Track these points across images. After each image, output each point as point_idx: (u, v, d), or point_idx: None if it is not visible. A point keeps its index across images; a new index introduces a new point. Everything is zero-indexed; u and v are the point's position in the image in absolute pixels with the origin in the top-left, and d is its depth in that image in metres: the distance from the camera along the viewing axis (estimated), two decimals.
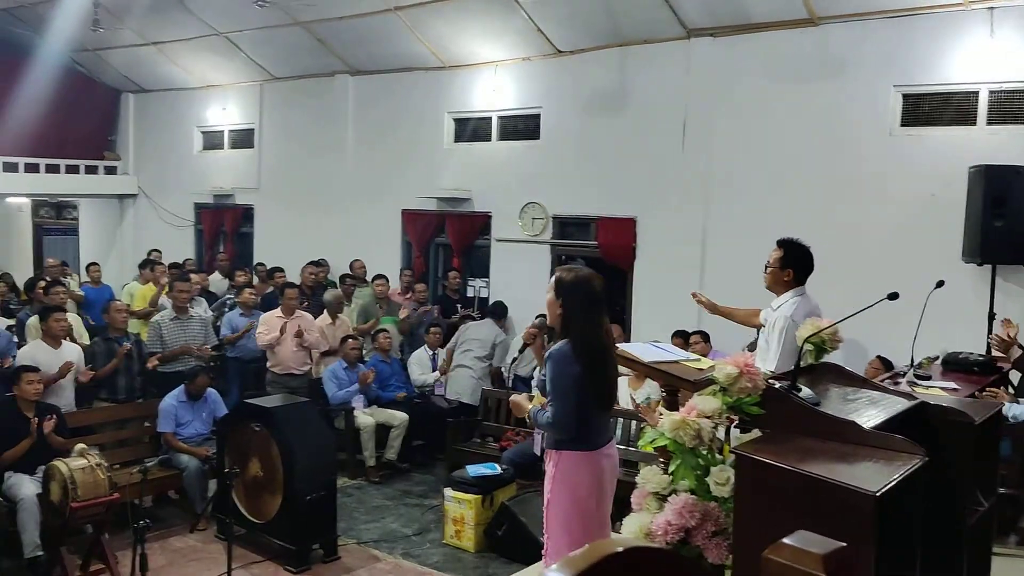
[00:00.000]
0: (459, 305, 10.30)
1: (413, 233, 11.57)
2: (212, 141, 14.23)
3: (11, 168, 13.72)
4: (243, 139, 13.68)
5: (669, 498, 3.21)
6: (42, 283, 9.00)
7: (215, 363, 9.00)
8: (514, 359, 8.42)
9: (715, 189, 8.87)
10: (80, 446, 5.88)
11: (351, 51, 11.60)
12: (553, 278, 3.99)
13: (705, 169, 8.91)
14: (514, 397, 4.22)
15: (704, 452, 3.15)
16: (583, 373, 3.78)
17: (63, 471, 5.58)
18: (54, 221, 17.32)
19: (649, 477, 3.31)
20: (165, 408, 7.09)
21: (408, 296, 10.36)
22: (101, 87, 14.93)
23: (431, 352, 9.17)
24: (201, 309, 9.34)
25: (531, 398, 4.13)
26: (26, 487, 5.99)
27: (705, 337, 7.93)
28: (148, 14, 11.91)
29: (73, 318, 8.07)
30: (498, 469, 6.97)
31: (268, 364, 8.65)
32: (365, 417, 8.29)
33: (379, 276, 10.12)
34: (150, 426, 7.24)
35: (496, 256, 10.77)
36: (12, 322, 8.52)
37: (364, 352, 9.33)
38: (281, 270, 11.02)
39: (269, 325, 8.62)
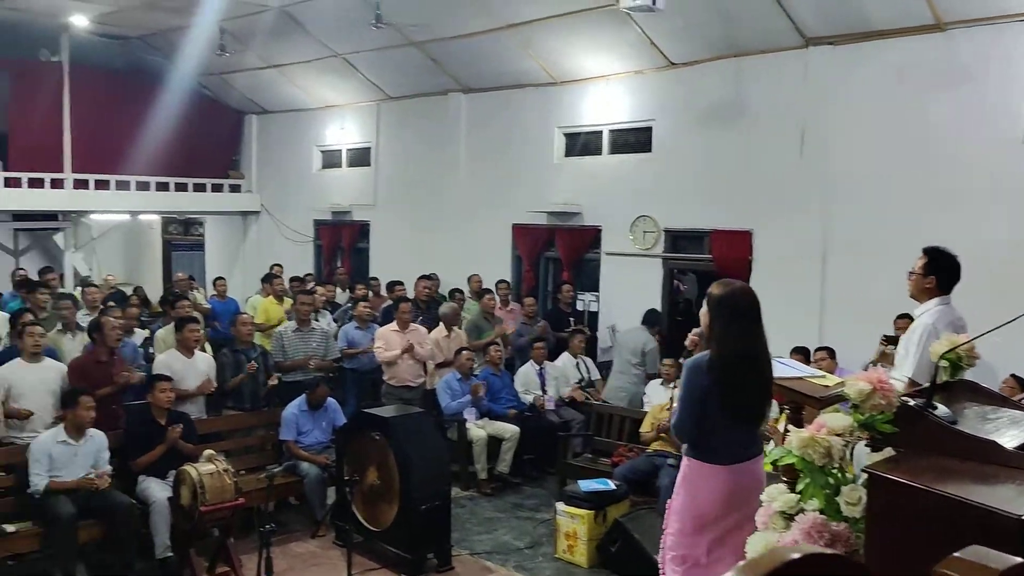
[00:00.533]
0: (571, 319, 10.26)
1: (523, 247, 11.64)
2: (330, 160, 14.70)
3: (143, 187, 14.49)
4: (360, 157, 14.07)
5: (796, 517, 3.11)
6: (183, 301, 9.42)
7: (333, 374, 9.25)
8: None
9: (835, 200, 8.62)
10: (208, 452, 6.12)
11: (463, 69, 11.80)
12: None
13: (824, 180, 8.67)
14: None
15: (834, 471, 3.04)
16: (714, 385, 3.76)
17: (193, 476, 5.82)
18: (182, 237, 18.20)
19: (775, 495, 3.21)
20: (287, 417, 7.33)
21: (508, 309, 10.39)
22: (226, 109, 15.62)
23: (538, 367, 9.17)
24: (325, 322, 9.62)
25: None
26: (158, 491, 6.28)
27: (831, 353, 7.67)
28: (270, 38, 12.41)
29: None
30: (611, 485, 6.91)
31: (384, 377, 8.83)
32: (477, 430, 8.36)
33: (487, 291, 10.20)
34: (273, 434, 7.47)
35: (606, 270, 10.74)
36: (147, 334, 8.94)
37: (475, 366, 9.42)
38: (401, 283, 11.28)
39: (386, 340, 8.80)
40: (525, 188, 11.46)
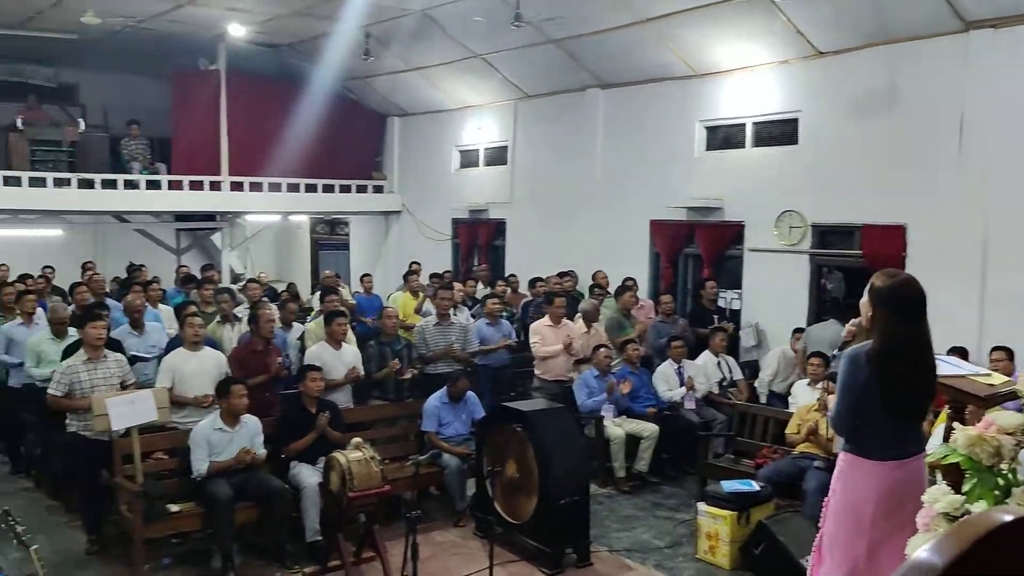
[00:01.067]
0: (715, 316, 10.02)
1: (662, 243, 11.48)
2: (468, 159, 14.93)
3: (293, 189, 15.13)
4: (497, 156, 14.23)
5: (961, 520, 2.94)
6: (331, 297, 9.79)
7: (471, 368, 9.38)
8: (773, 374, 8.09)
9: (997, 193, 8.09)
10: (356, 440, 6.31)
11: (601, 65, 11.74)
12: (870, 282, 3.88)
13: (985, 171, 8.16)
14: None
15: (1004, 472, 2.84)
16: (875, 378, 3.61)
17: (341, 462, 6.01)
18: (328, 237, 18.90)
19: (938, 496, 3.03)
20: (429, 408, 7.49)
21: (639, 307, 10.25)
22: (369, 112, 16.11)
23: (676, 365, 9.00)
24: (463, 316, 9.78)
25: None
26: (308, 476, 6.53)
27: (1010, 354, 7.14)
28: (411, 41, 12.71)
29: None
30: (755, 486, 6.72)
31: (536, 371, 8.88)
32: (615, 427, 8.30)
33: (627, 287, 10.09)
34: (416, 425, 7.65)
35: (749, 267, 10.45)
36: (303, 327, 9.32)
37: (613, 363, 9.36)
38: (542, 280, 11.32)
39: (542, 335, 8.85)
40: (664, 183, 11.30)
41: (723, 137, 10.93)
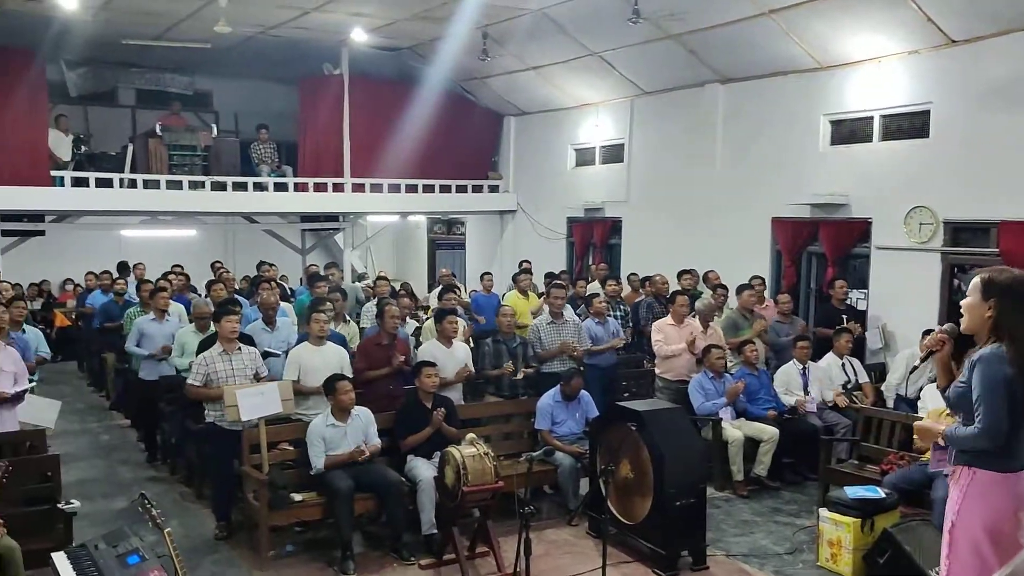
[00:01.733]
0: (844, 316, 9.64)
1: (784, 241, 11.16)
2: (584, 157, 14.90)
3: (412, 189, 15.43)
4: (613, 154, 14.15)
5: None
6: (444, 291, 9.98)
7: (582, 367, 9.35)
8: (901, 377, 7.74)
9: None
10: (471, 436, 6.38)
11: (722, 59, 11.51)
12: (977, 279, 3.67)
13: None
14: (922, 423, 3.93)
15: None
16: (1014, 380, 3.39)
17: (456, 457, 6.09)
18: (445, 236, 19.20)
19: None
20: (542, 406, 7.50)
21: (764, 307, 9.97)
22: (486, 112, 16.28)
23: (800, 366, 8.72)
24: (569, 316, 9.75)
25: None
26: (424, 470, 6.64)
27: None
28: (528, 40, 12.78)
29: (459, 321, 8.85)
30: (880, 493, 6.44)
31: (659, 371, 8.79)
32: (733, 430, 8.11)
33: (745, 287, 9.84)
34: (529, 423, 7.67)
35: (877, 265, 10.06)
36: (417, 324, 9.53)
37: (730, 364, 9.16)
38: (650, 279, 11.16)
39: (665, 334, 8.75)
40: (786, 179, 10.99)
41: (849, 131, 10.54)
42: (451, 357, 7.68)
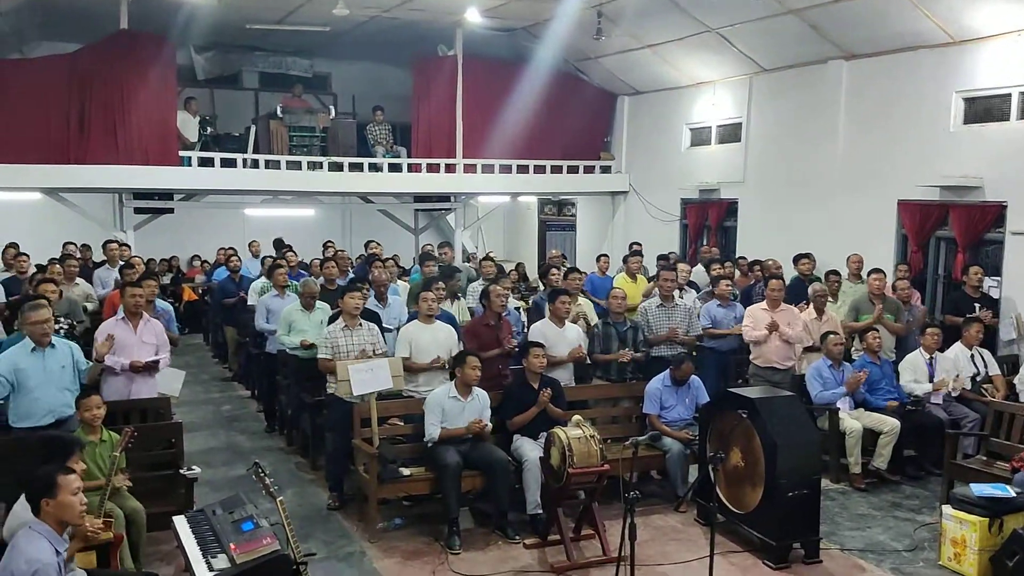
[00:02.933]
0: (976, 305, 9.11)
1: (910, 225, 10.64)
2: (699, 137, 14.55)
3: (523, 170, 15.39)
4: (730, 134, 13.77)
5: None
6: (553, 271, 9.93)
7: (694, 352, 9.17)
8: None
9: None
10: (576, 417, 6.35)
11: (846, 34, 11.02)
12: None
13: None
14: None
15: None
16: None
17: (562, 438, 6.06)
18: (555, 217, 19.14)
19: None
20: (651, 391, 7.38)
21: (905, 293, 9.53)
22: (599, 92, 16.06)
23: (928, 356, 8.31)
24: (689, 299, 9.59)
25: None
26: (530, 450, 6.64)
27: None
28: (643, 18, 12.54)
29: (585, 303, 8.82)
30: (1010, 492, 6.09)
31: (751, 357, 8.57)
32: (851, 420, 7.80)
33: (875, 271, 9.41)
34: (638, 407, 7.58)
35: (1012, 252, 9.50)
36: (524, 304, 9.53)
37: (852, 351, 8.83)
38: (759, 262, 10.88)
39: (755, 318, 8.53)
40: (914, 160, 10.47)
41: (983, 109, 9.95)
42: (562, 337, 7.65)
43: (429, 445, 6.58)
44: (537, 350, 7.04)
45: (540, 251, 18.81)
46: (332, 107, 16.18)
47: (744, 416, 6.21)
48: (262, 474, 4.66)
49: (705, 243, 13.97)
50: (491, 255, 15.17)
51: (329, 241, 14.21)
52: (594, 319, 8.45)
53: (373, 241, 12.47)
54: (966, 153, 9.96)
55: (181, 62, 15.05)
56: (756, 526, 6.20)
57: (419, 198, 16.67)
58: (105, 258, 11.17)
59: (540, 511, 6.50)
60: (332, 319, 7.58)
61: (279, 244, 13.85)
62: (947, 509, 6.13)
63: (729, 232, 13.81)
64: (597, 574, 5.92)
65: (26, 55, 14.59)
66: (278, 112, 14.55)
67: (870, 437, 7.82)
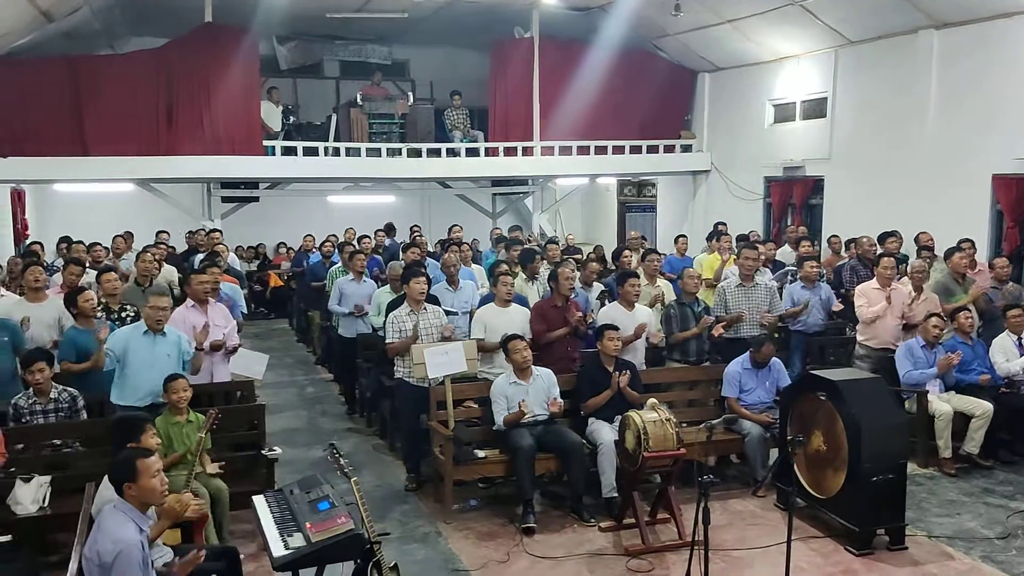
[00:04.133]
0: None
1: (1006, 201, 10.19)
2: (783, 114, 14.17)
3: (601, 151, 15.24)
4: (815, 109, 13.38)
5: None
6: (626, 252, 9.84)
7: (779, 335, 8.97)
8: None
9: None
10: (652, 401, 6.27)
11: (937, 2, 10.56)
12: None
13: None
14: None
15: None
16: None
17: (637, 422, 5.99)
18: (635, 199, 18.93)
19: None
20: (730, 374, 7.24)
21: (976, 271, 9.12)
22: (679, 69, 15.79)
23: (1016, 337, 7.92)
24: (765, 278, 9.37)
25: None
26: (606, 433, 6.59)
27: None
28: None
29: (665, 284, 8.70)
30: None
31: (861, 338, 8.31)
32: (941, 403, 7.51)
33: (958, 248, 9.03)
34: (716, 390, 7.45)
35: None
36: (603, 288, 9.44)
37: (943, 332, 8.48)
38: (854, 240, 10.57)
39: (868, 297, 8.29)
40: (1009, 133, 10.03)
41: None
42: (632, 321, 7.54)
43: (500, 430, 6.61)
44: (611, 332, 6.96)
45: (619, 233, 18.64)
46: (410, 94, 16.33)
47: (824, 399, 6.05)
48: (337, 455, 4.74)
49: (790, 222, 13.62)
50: (569, 238, 15.13)
51: (416, 226, 14.38)
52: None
53: (456, 225, 12.55)
54: None
55: (264, 53, 15.39)
56: (838, 511, 6.03)
57: (496, 182, 16.71)
58: (188, 246, 11.50)
59: (615, 494, 6.46)
60: (395, 304, 7.62)
61: (389, 228, 14.15)
62: None
63: (815, 210, 13.43)
64: (672, 558, 5.84)
65: (116, 51, 15.12)
66: (358, 100, 14.75)
67: (961, 421, 7.52)
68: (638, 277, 7.79)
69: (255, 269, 16.53)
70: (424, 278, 7.16)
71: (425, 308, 7.17)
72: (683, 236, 12.19)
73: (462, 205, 17.13)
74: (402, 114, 14.92)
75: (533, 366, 6.78)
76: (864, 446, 5.80)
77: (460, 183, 16.75)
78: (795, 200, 13.64)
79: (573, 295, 7.98)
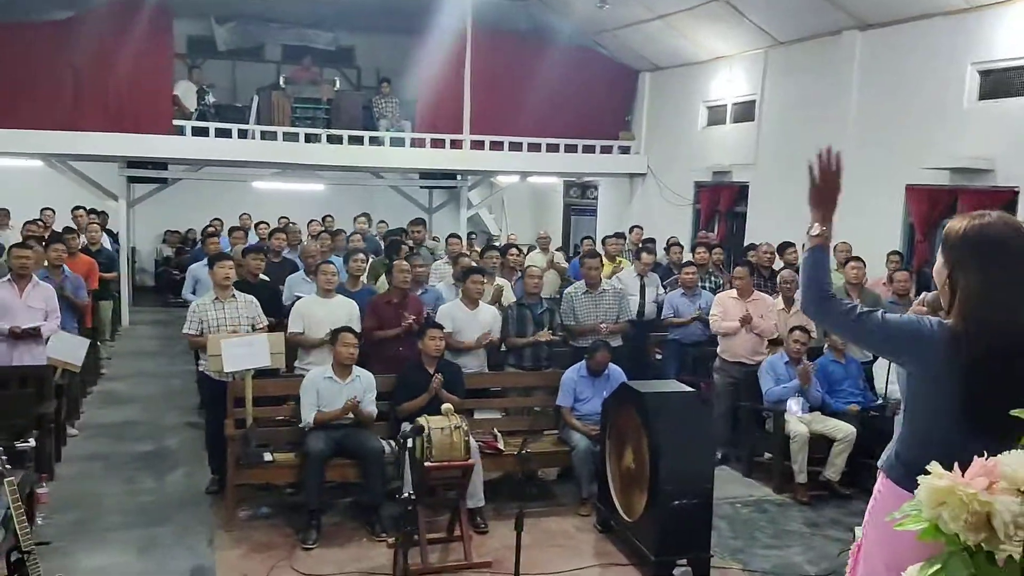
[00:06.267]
0: None
1: (917, 213, 9.61)
2: (715, 116, 13.60)
3: (535, 148, 14.59)
4: (744, 112, 12.81)
5: None
6: (512, 251, 9.32)
7: (659, 345, 8.45)
8: None
9: None
10: (446, 406, 5.73)
11: (861, 1, 10.00)
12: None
13: None
14: None
15: (997, 553, 1.58)
16: (951, 372, 2.44)
17: (424, 428, 5.47)
18: (579, 200, 18.37)
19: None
20: (566, 381, 6.70)
21: (877, 283, 8.58)
22: (621, 68, 15.21)
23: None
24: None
25: None
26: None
27: None
28: None
29: (503, 282, 8.15)
30: None
31: (718, 350, 7.80)
32: (798, 424, 6.96)
33: (853, 259, 8.46)
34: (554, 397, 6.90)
35: None
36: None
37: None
38: (754, 247, 10.02)
39: (724, 308, 7.77)
40: (924, 141, 9.44)
41: (999, 83, 8.85)
42: (474, 320, 7.02)
43: (306, 430, 6.08)
44: (434, 332, 6.44)
45: (565, 235, 18.09)
46: (337, 79, 15.74)
47: (635, 413, 5.52)
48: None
49: (715, 229, 13.06)
50: (511, 237, 14.54)
51: (328, 216, 13.80)
52: (511, 299, 7.77)
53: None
54: (979, 133, 8.91)
55: (201, 33, 14.92)
56: (640, 536, 5.49)
57: (425, 175, 16.09)
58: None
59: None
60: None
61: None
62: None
63: (740, 218, 12.86)
64: None
65: (24, 19, 14.55)
66: (281, 83, 14.23)
67: (823, 444, 6.98)
68: (482, 273, 7.25)
69: (173, 255, 16.01)
70: (230, 262, 6.65)
71: (235, 296, 6.62)
72: (611, 237, 11.58)
73: (398, 198, 16.59)
74: (328, 99, 14.39)
75: (355, 367, 6.27)
76: (665, 467, 5.26)
77: (392, 175, 16.19)
78: (721, 207, 13.06)
79: (420, 291, 7.48)
